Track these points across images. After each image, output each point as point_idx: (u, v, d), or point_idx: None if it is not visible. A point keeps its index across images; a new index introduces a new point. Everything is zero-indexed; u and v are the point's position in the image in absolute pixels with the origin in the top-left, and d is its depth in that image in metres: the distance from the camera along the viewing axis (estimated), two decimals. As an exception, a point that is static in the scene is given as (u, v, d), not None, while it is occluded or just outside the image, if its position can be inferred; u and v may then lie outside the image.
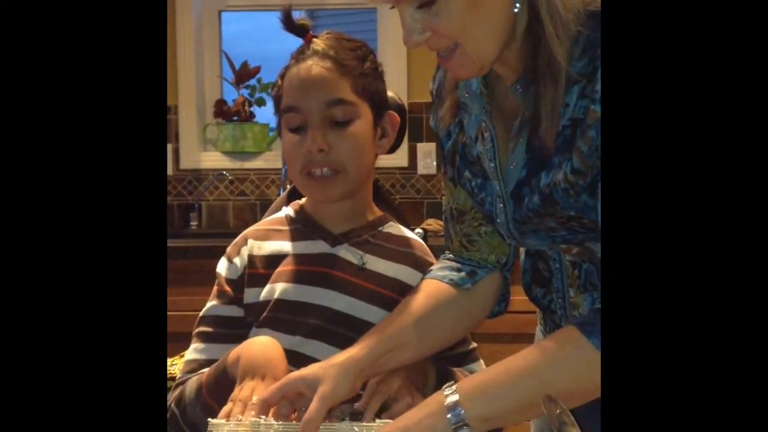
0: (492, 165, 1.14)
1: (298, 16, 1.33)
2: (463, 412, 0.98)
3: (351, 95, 1.29)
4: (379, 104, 1.33)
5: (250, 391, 1.15)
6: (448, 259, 1.26)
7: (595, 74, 1.02)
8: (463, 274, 1.22)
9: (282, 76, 1.33)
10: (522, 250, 1.28)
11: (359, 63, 1.31)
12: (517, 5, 1.02)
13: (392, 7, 1.04)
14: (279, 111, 1.34)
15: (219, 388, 1.21)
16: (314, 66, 1.29)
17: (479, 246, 1.24)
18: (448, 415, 0.98)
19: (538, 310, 1.29)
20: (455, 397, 0.99)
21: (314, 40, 1.32)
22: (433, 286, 1.22)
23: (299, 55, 1.32)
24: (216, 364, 1.26)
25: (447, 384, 1.03)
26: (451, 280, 1.21)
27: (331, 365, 1.12)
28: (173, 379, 1.44)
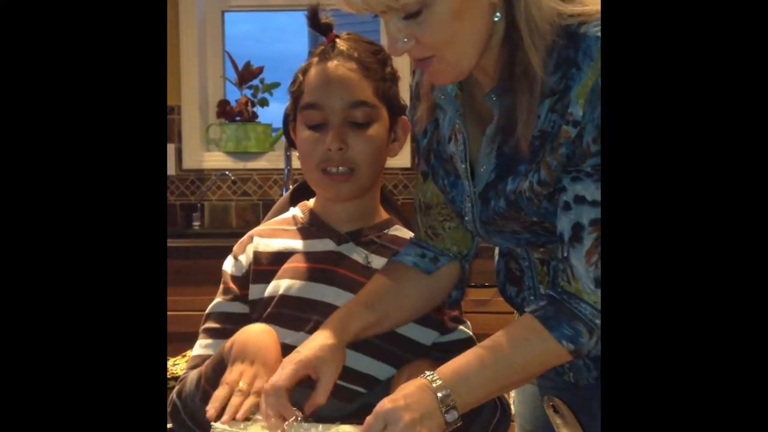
0: (463, 166, 1.18)
1: (322, 14, 1.36)
2: (451, 396, 1.06)
3: (372, 98, 1.32)
4: (395, 109, 1.36)
5: (237, 375, 1.17)
6: (415, 243, 1.31)
7: (567, 93, 1.05)
8: (426, 259, 1.28)
9: (303, 73, 1.35)
10: (495, 252, 1.34)
11: (381, 67, 1.34)
12: (497, 15, 1.06)
13: (375, 16, 1.07)
14: (297, 107, 1.35)
15: (216, 375, 1.23)
16: (339, 66, 1.31)
17: (443, 238, 1.29)
18: (439, 396, 1.06)
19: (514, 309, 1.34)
20: (441, 382, 1.07)
21: (336, 39, 1.34)
22: (400, 268, 1.28)
23: (323, 54, 1.33)
24: (214, 356, 1.28)
25: (428, 373, 1.08)
26: (415, 264, 1.28)
27: (326, 347, 1.17)
28: (176, 379, 1.44)
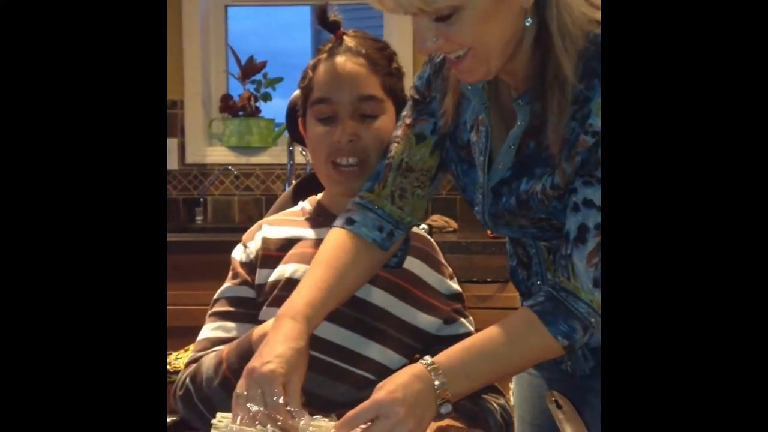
0: (482, 158, 1.20)
1: (330, 11, 1.39)
2: (446, 387, 1.08)
3: (380, 92, 1.35)
4: (401, 103, 1.38)
5: None
6: (368, 208, 1.28)
7: (588, 103, 1.08)
8: (384, 234, 1.28)
9: (312, 69, 1.38)
10: (507, 237, 1.34)
11: (387, 63, 1.38)
12: (529, 19, 1.08)
13: (406, 12, 1.08)
14: (307, 102, 1.38)
15: (242, 365, 1.20)
16: (348, 62, 1.35)
17: (405, 204, 1.29)
18: (436, 386, 1.08)
19: (519, 295, 1.37)
20: (438, 372, 1.08)
21: (344, 36, 1.38)
22: (358, 243, 1.26)
23: (331, 50, 1.37)
24: (238, 340, 1.27)
25: (426, 362, 1.10)
26: (374, 240, 1.27)
27: (296, 351, 1.12)
28: (177, 373, 1.45)
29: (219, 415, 1.15)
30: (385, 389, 1.07)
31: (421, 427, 1.07)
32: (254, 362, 1.10)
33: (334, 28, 1.38)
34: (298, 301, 1.18)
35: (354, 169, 1.34)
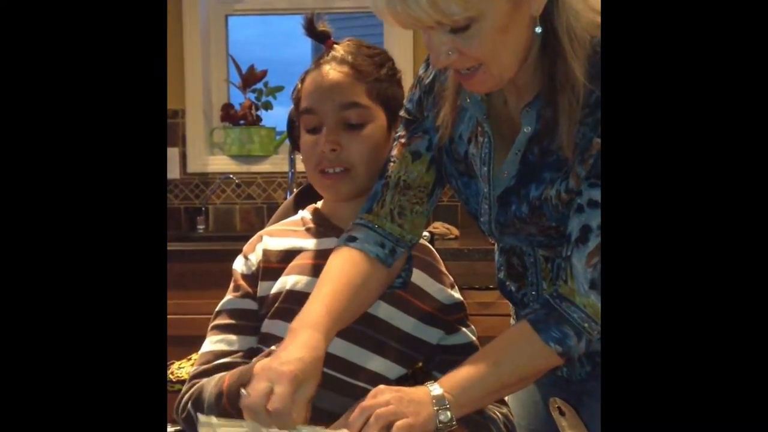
0: (485, 169, 1.20)
1: (319, 21, 1.39)
2: (446, 400, 1.10)
3: (365, 99, 1.34)
4: (395, 109, 1.37)
5: None
6: (369, 227, 1.27)
7: (598, 108, 1.07)
8: (386, 250, 1.26)
9: (302, 80, 1.39)
10: (495, 248, 1.35)
11: (376, 69, 1.36)
12: (539, 27, 1.08)
13: (423, 26, 1.07)
14: (298, 113, 1.39)
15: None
16: (331, 71, 1.34)
17: (404, 221, 1.28)
18: (434, 401, 1.10)
19: (511, 305, 1.37)
20: (440, 390, 1.11)
21: (335, 46, 1.37)
22: (363, 260, 1.25)
23: (319, 60, 1.37)
24: (239, 370, 1.24)
25: (429, 382, 1.13)
26: (377, 256, 1.26)
27: (313, 360, 1.11)
28: (182, 382, 1.44)
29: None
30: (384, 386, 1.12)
31: (417, 419, 1.07)
32: (271, 362, 1.08)
33: (323, 38, 1.38)
34: (315, 312, 1.16)
35: (340, 173, 1.34)
